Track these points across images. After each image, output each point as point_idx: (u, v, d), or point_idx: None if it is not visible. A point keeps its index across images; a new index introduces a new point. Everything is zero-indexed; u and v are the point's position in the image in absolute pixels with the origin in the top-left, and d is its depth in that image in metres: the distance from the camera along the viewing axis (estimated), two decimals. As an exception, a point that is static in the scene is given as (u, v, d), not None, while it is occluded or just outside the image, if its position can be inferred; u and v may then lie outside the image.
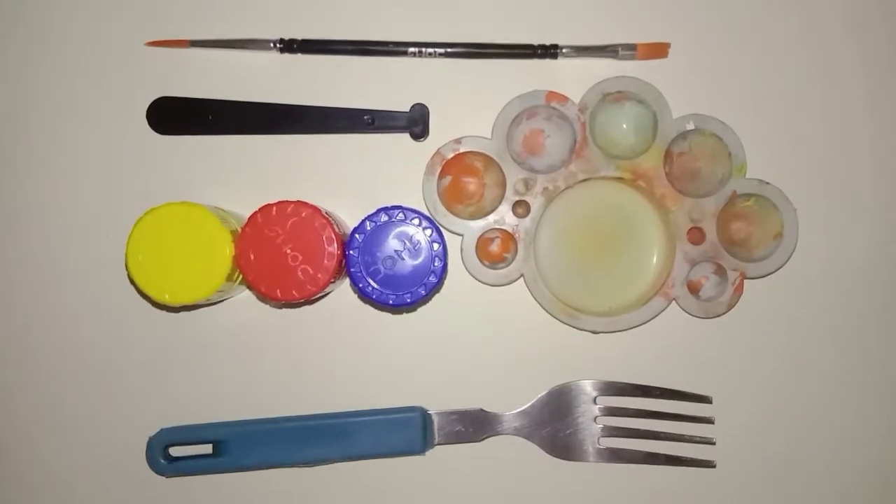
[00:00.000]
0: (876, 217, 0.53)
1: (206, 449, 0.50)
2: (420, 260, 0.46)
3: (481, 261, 0.51)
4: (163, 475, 0.51)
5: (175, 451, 0.51)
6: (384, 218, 0.46)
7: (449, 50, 0.52)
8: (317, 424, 0.50)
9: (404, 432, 0.50)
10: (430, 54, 0.52)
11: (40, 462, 0.53)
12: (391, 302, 0.46)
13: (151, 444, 0.50)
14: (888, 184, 0.53)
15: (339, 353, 0.52)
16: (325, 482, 0.52)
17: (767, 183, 0.51)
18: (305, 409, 0.51)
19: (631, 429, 0.52)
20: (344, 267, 0.46)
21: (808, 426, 0.53)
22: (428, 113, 0.52)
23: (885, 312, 0.53)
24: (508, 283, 0.51)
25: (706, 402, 0.52)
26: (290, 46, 0.52)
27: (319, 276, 0.45)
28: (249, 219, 0.45)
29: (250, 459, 0.50)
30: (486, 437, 0.51)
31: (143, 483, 0.52)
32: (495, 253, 0.52)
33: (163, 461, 0.50)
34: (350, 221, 0.49)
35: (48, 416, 0.53)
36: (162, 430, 0.51)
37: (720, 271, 0.51)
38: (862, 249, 0.53)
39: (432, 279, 0.45)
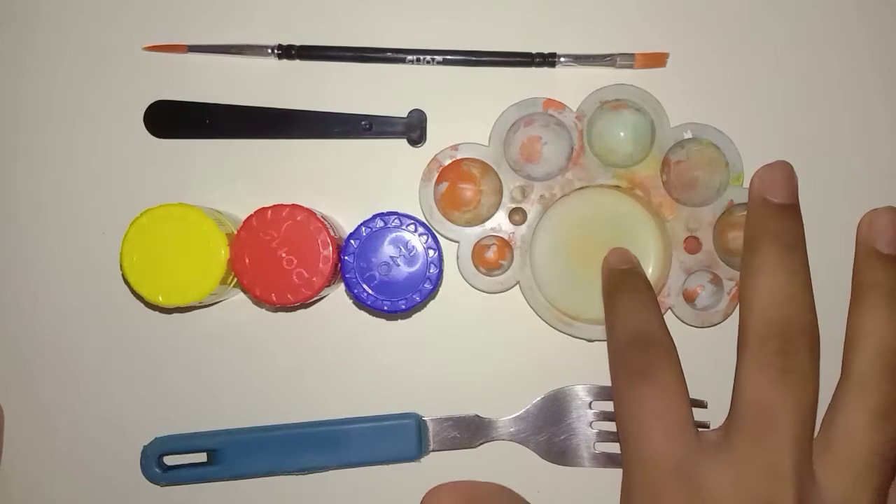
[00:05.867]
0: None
1: (201, 457, 0.50)
2: (416, 266, 0.46)
3: (477, 268, 0.51)
4: (157, 484, 0.51)
5: (169, 460, 0.51)
6: (380, 224, 0.46)
7: (447, 58, 0.52)
8: (311, 432, 0.50)
9: (399, 439, 0.50)
10: (428, 62, 0.52)
11: (32, 472, 0.52)
12: (386, 308, 0.45)
13: (146, 453, 0.50)
14: (886, 194, 0.53)
15: (333, 359, 0.52)
16: (319, 490, 0.52)
17: (764, 192, 0.51)
18: (299, 416, 0.51)
19: (627, 434, 0.51)
20: (339, 272, 0.46)
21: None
22: (425, 119, 0.52)
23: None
24: (504, 291, 0.51)
25: (701, 407, 0.51)
26: (287, 52, 0.52)
27: (314, 279, 0.45)
28: (244, 222, 0.45)
29: (245, 468, 0.50)
30: (482, 443, 0.51)
31: (137, 492, 0.51)
32: (491, 260, 0.52)
33: (157, 470, 0.50)
34: (346, 226, 0.49)
35: (39, 423, 0.53)
36: (156, 439, 0.50)
37: (716, 280, 0.51)
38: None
39: (428, 286, 0.45)
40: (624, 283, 0.44)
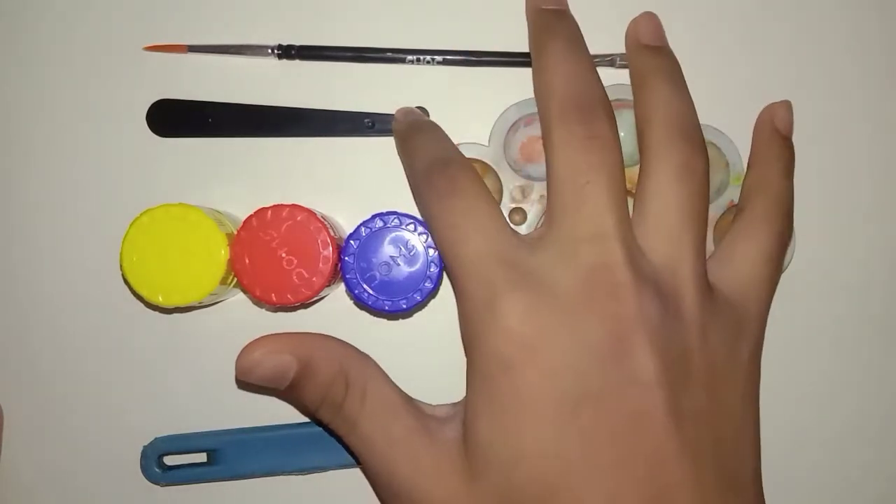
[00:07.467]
0: (873, 227, 0.53)
1: (201, 457, 0.50)
2: (416, 266, 0.45)
3: (478, 268, 0.51)
4: (157, 484, 0.51)
5: (169, 460, 0.51)
6: (379, 223, 0.45)
7: (447, 58, 0.52)
8: (312, 432, 0.50)
9: (399, 439, 0.50)
10: (428, 62, 0.52)
11: (32, 472, 0.53)
12: (387, 308, 0.45)
13: (146, 453, 0.50)
14: (886, 194, 0.53)
15: (334, 358, 0.52)
16: (319, 490, 0.52)
17: (765, 192, 0.51)
18: (299, 416, 0.51)
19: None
20: (339, 272, 0.46)
21: (803, 433, 0.53)
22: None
23: (883, 321, 0.53)
24: (505, 290, 0.51)
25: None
26: (287, 52, 0.52)
27: (314, 279, 0.45)
28: (244, 222, 0.45)
29: (245, 468, 0.50)
30: (482, 444, 0.51)
31: (137, 492, 0.52)
32: (492, 260, 0.51)
33: (157, 470, 0.50)
34: (346, 226, 0.49)
35: (39, 423, 0.53)
36: (156, 439, 0.50)
37: (717, 280, 0.51)
38: (859, 259, 0.53)
39: (428, 285, 0.45)
40: (414, 127, 0.47)
